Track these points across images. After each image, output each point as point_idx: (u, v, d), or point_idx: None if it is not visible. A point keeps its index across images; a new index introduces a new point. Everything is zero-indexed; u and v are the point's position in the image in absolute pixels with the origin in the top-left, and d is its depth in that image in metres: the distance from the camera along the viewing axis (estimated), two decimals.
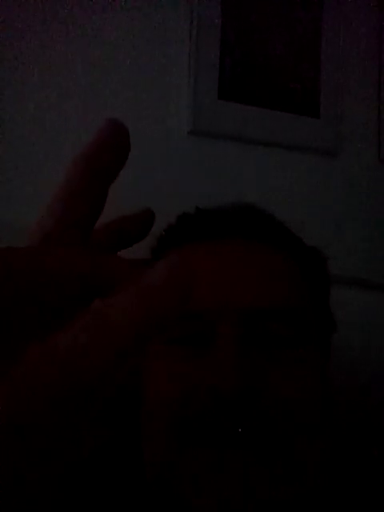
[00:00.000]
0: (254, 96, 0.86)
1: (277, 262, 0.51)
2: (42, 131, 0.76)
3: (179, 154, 0.82)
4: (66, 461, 0.20)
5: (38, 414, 0.19)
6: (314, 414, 0.46)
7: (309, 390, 0.46)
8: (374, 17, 0.94)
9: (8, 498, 0.18)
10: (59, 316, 0.22)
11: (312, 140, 0.88)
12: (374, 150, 0.92)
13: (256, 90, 0.86)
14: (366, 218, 0.89)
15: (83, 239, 0.26)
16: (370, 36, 0.94)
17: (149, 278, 0.20)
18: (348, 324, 0.57)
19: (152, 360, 0.49)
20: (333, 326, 0.55)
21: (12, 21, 0.75)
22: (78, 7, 0.78)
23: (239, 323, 0.45)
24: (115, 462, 0.51)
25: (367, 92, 0.93)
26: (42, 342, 0.19)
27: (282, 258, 0.51)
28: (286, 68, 0.88)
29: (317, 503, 0.46)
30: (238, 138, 0.85)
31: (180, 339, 0.47)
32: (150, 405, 0.47)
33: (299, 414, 0.45)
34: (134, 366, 0.53)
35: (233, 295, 0.46)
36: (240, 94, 0.85)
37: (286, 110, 0.88)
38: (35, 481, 0.19)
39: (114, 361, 0.19)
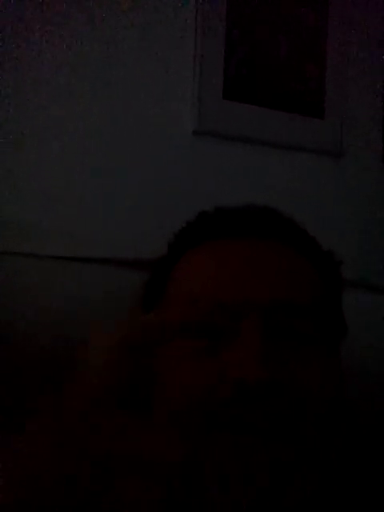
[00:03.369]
0: (258, 96, 0.86)
1: (297, 261, 0.52)
2: (44, 131, 0.75)
3: (183, 153, 0.82)
4: None
5: None
6: (335, 409, 0.48)
7: (331, 385, 0.48)
8: (379, 18, 0.94)
9: None
10: None
11: (316, 141, 0.88)
12: (378, 150, 0.92)
13: (261, 90, 0.86)
14: (370, 219, 0.88)
15: None
16: (375, 37, 0.94)
17: None
18: (350, 325, 0.58)
19: (170, 355, 0.49)
20: (344, 330, 0.56)
21: (14, 19, 0.75)
22: (81, 5, 0.78)
23: (264, 317, 0.46)
24: None
25: (372, 93, 0.93)
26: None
27: (302, 259, 0.52)
28: (291, 68, 0.88)
29: (334, 494, 0.47)
30: (242, 138, 0.84)
31: (200, 334, 0.47)
32: (170, 398, 0.47)
33: (322, 408, 0.46)
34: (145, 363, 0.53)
35: (258, 290, 0.47)
36: (245, 94, 0.85)
37: (290, 111, 0.88)
38: None
39: None
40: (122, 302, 0.60)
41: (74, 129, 0.77)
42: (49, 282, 0.67)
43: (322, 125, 0.89)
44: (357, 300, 0.79)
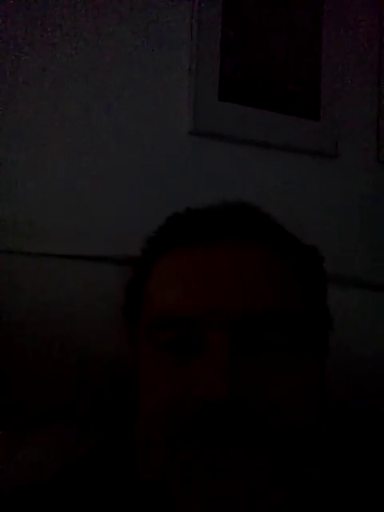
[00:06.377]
0: (254, 97, 0.87)
1: (269, 262, 0.50)
2: (43, 131, 0.76)
3: (179, 154, 0.82)
4: None
5: None
6: (310, 419, 0.46)
7: (303, 396, 0.46)
8: (374, 19, 0.95)
9: None
10: None
11: (311, 142, 0.89)
12: (372, 151, 0.92)
13: (256, 91, 0.87)
14: (365, 219, 0.89)
15: None
16: (370, 39, 0.94)
17: None
18: (348, 324, 0.58)
19: (144, 363, 0.49)
20: (329, 324, 0.55)
21: (15, 19, 0.75)
22: (79, 7, 0.78)
23: (231, 330, 0.45)
24: (109, 462, 0.51)
25: (366, 94, 0.94)
26: None
27: (275, 258, 0.51)
28: (287, 70, 0.89)
29: (313, 507, 0.46)
30: (237, 139, 0.85)
31: (170, 344, 0.47)
32: (143, 407, 0.48)
33: (293, 420, 0.45)
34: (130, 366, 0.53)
35: (226, 301, 0.46)
36: (240, 95, 0.86)
37: (285, 112, 0.88)
38: None
39: None
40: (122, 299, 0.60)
41: (71, 129, 0.77)
42: (48, 280, 0.67)
43: (317, 126, 0.89)
44: (354, 299, 0.79)
